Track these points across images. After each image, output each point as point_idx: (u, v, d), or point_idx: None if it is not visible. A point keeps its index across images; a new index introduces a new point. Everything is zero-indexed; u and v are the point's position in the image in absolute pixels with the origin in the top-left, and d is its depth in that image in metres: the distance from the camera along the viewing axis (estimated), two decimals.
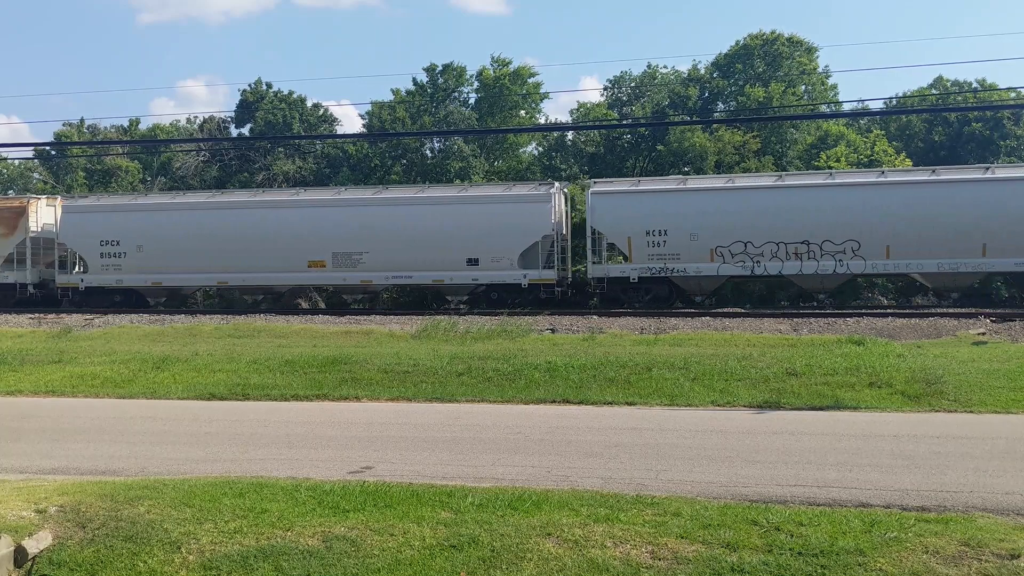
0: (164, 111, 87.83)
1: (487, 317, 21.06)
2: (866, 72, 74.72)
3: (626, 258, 24.02)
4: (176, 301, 27.88)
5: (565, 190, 26.35)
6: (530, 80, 43.23)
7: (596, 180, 26.48)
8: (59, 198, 29.35)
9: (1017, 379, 12.46)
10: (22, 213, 27.51)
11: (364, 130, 43.23)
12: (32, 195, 31.00)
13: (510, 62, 42.96)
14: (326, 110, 46.72)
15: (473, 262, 24.40)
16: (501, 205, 24.75)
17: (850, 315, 20.87)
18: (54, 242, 27.55)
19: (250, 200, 26.96)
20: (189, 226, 26.15)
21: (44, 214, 28.00)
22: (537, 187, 25.72)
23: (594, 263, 24.33)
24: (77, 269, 27.67)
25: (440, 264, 24.46)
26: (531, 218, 24.36)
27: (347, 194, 26.99)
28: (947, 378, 12.39)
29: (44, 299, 27.67)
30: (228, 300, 28.71)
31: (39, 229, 27.70)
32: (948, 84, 42.28)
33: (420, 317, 21.82)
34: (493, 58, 43.57)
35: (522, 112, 43.63)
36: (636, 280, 23.85)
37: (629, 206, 24.09)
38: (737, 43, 41.70)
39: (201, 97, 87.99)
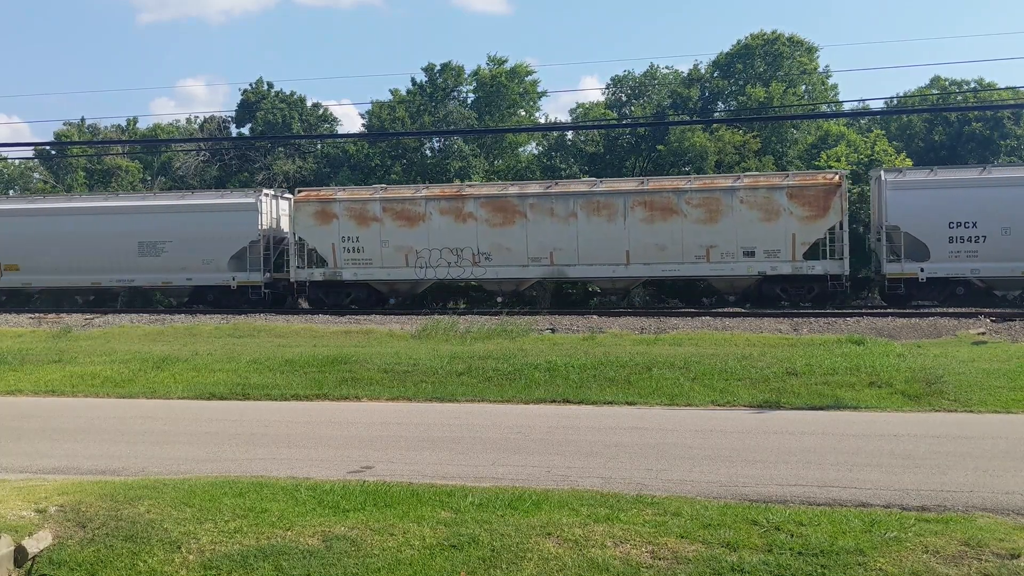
0: (164, 111, 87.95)
1: (487, 317, 21.07)
2: (866, 72, 74.72)
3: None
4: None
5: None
6: (527, 79, 43.22)
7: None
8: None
9: (1017, 379, 12.46)
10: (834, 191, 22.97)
11: (364, 130, 43.23)
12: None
13: (506, 60, 42.97)
14: (326, 110, 46.76)
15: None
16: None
17: (850, 315, 20.88)
18: None
19: None
20: None
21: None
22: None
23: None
24: None
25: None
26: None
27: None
28: (947, 378, 12.39)
29: None
30: None
31: None
32: (946, 84, 42.27)
33: (420, 317, 21.83)
34: (489, 57, 43.59)
35: (521, 111, 43.62)
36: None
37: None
38: (738, 43, 41.70)
39: (201, 97, 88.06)
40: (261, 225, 25.86)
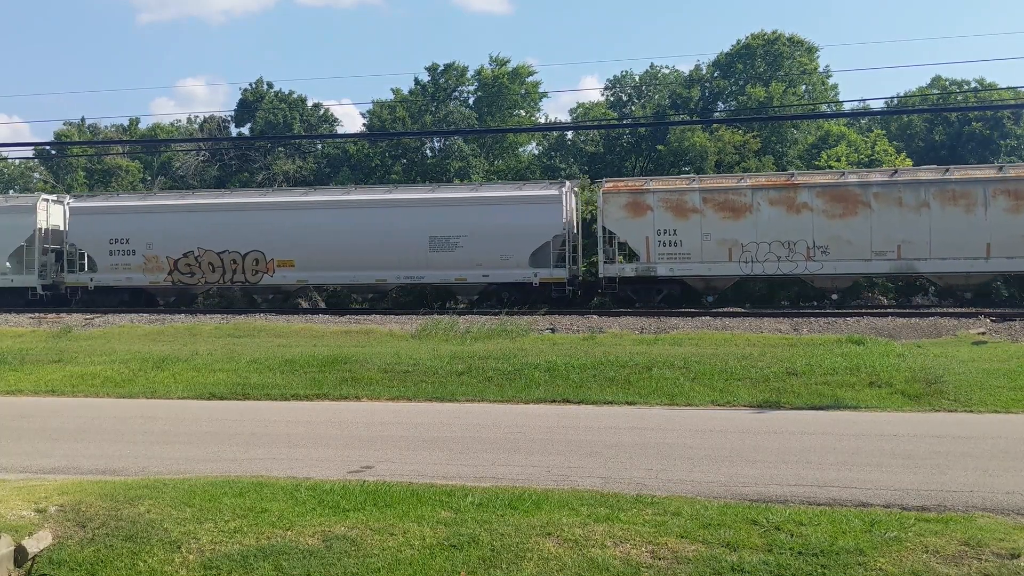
0: (164, 111, 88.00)
1: (487, 317, 21.07)
2: (866, 72, 74.71)
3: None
4: None
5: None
6: (528, 79, 43.25)
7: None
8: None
9: (1017, 379, 12.46)
10: None
11: (365, 129, 43.25)
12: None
13: (507, 61, 43.00)
14: (326, 110, 46.79)
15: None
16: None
17: (850, 315, 20.87)
18: None
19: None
20: None
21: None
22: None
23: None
24: None
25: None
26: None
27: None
28: (947, 378, 12.39)
29: None
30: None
31: None
32: (947, 84, 42.29)
33: (420, 317, 21.82)
34: (491, 57, 43.63)
35: (521, 111, 43.64)
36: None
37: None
38: (739, 42, 41.72)
39: (201, 97, 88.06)
40: (564, 218, 24.41)
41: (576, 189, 26.21)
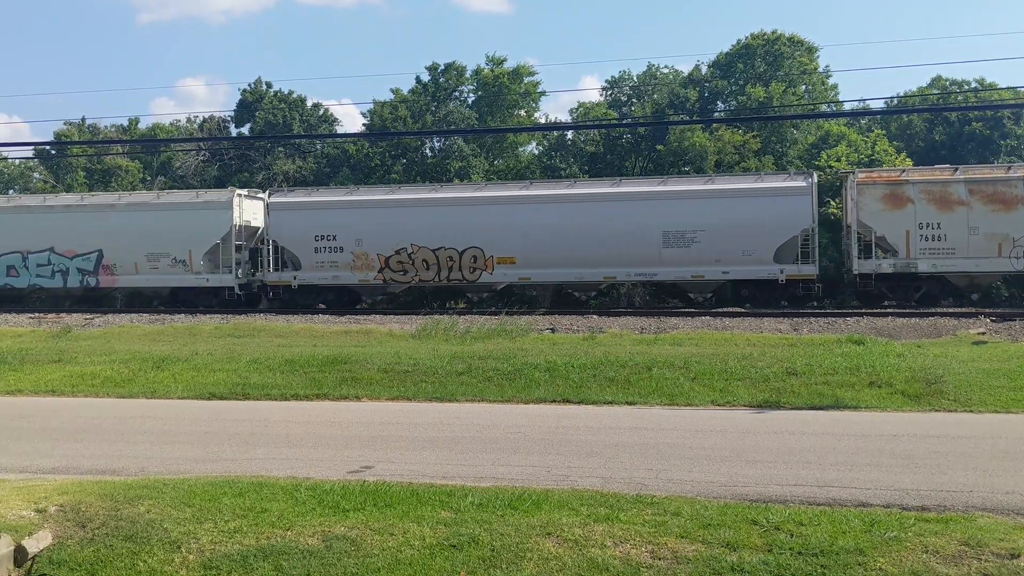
0: (164, 111, 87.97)
1: (487, 317, 21.07)
2: (866, 72, 74.74)
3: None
4: None
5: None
6: (528, 79, 43.24)
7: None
8: None
9: (1017, 379, 12.46)
10: None
11: (365, 129, 43.25)
12: None
13: (504, 60, 42.99)
14: (326, 110, 46.79)
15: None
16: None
17: (850, 315, 20.87)
18: None
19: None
20: None
21: None
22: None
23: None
24: None
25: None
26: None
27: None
28: (947, 378, 12.39)
29: None
30: None
31: None
32: (947, 84, 42.28)
33: (420, 317, 21.83)
34: (488, 57, 43.61)
35: (521, 111, 43.63)
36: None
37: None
38: (739, 42, 41.69)
39: (201, 97, 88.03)
40: (813, 210, 23.08)
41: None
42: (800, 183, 23.39)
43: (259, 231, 26.58)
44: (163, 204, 26.58)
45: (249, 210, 26.58)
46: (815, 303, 23.64)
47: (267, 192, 27.46)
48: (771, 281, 23.12)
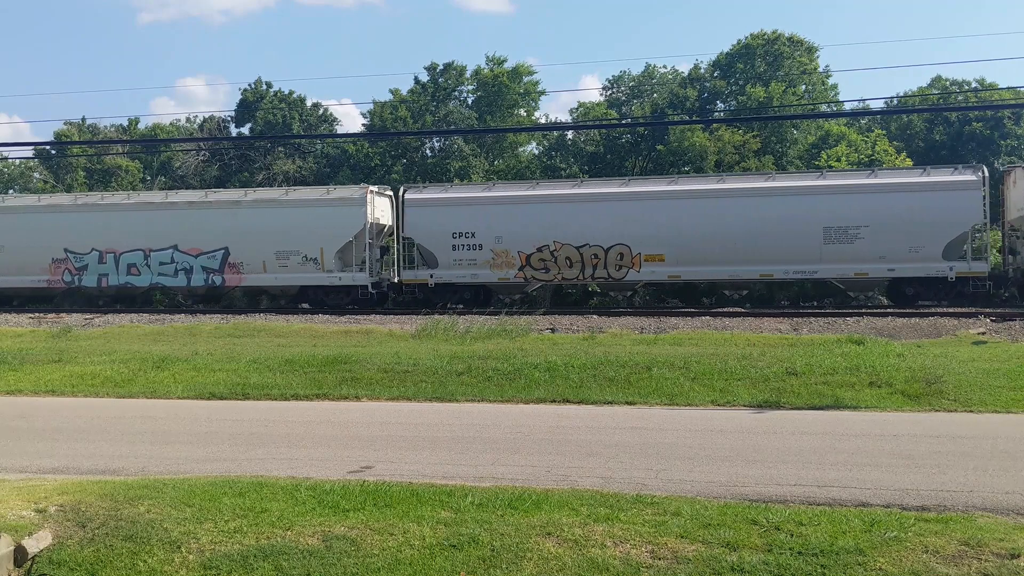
0: (164, 110, 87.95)
1: (487, 317, 21.08)
2: (866, 72, 74.72)
3: None
4: None
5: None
6: (527, 79, 43.26)
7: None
8: None
9: (1017, 379, 12.46)
10: None
11: (365, 129, 43.28)
12: None
13: (505, 60, 43.01)
14: (326, 110, 46.83)
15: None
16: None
17: (850, 315, 20.86)
18: None
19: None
20: None
21: None
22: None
23: None
24: None
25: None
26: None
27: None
28: (947, 378, 12.38)
29: None
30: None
31: None
32: (947, 84, 42.30)
33: (420, 317, 21.83)
34: (488, 57, 43.62)
35: (521, 111, 43.66)
36: None
37: None
38: (739, 42, 41.74)
39: (201, 96, 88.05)
40: (984, 205, 22.10)
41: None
42: (970, 177, 22.58)
43: (385, 228, 26.13)
44: (293, 201, 26.00)
45: (378, 207, 26.05)
46: (996, 301, 22.89)
47: (401, 188, 26.81)
48: (939, 279, 22.40)
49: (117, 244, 26.47)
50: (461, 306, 24.72)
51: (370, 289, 25.17)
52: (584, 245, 24.08)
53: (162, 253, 26.20)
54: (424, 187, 27.51)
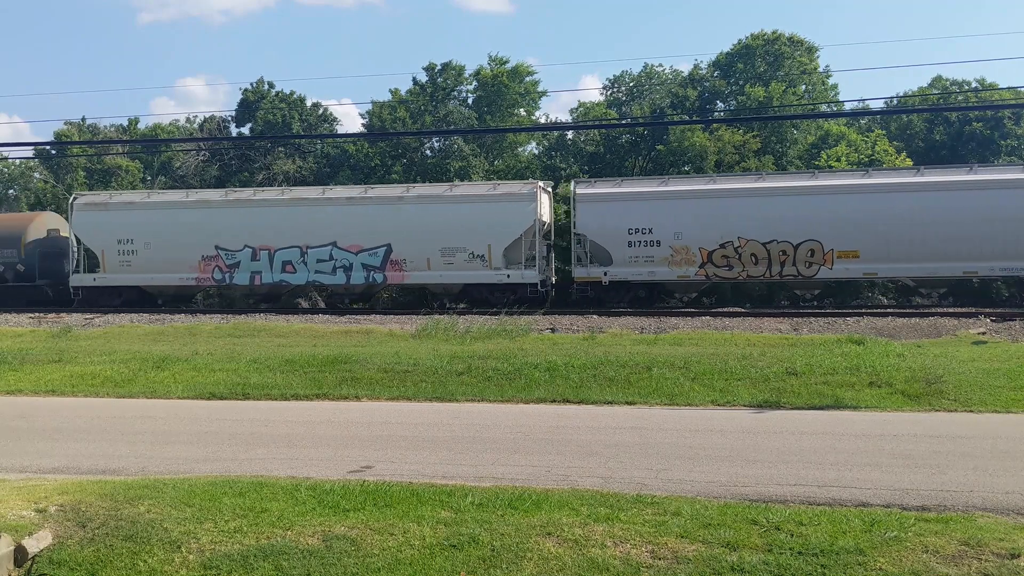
0: (164, 110, 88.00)
1: (487, 317, 21.08)
2: (866, 72, 74.73)
3: None
4: None
5: None
6: (528, 79, 43.23)
7: None
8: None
9: (1017, 379, 12.46)
10: None
11: (364, 129, 43.25)
12: None
13: (507, 60, 42.99)
14: (326, 109, 46.77)
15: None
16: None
17: (850, 315, 20.87)
18: None
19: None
20: None
21: None
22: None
23: None
24: None
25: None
26: None
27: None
28: (947, 378, 12.39)
29: None
30: None
31: None
32: (947, 84, 42.28)
33: (420, 317, 21.83)
34: (491, 57, 43.59)
35: (521, 111, 43.63)
36: None
37: None
38: (739, 42, 41.69)
39: (201, 96, 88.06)
40: None
41: None
42: None
43: (546, 225, 25.35)
44: (458, 196, 25.19)
45: (543, 203, 25.37)
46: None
47: (572, 183, 26.13)
48: None
49: (272, 241, 25.57)
50: (635, 303, 23.95)
51: (539, 287, 24.32)
52: (772, 241, 23.08)
53: (320, 250, 25.32)
54: (595, 181, 26.42)
